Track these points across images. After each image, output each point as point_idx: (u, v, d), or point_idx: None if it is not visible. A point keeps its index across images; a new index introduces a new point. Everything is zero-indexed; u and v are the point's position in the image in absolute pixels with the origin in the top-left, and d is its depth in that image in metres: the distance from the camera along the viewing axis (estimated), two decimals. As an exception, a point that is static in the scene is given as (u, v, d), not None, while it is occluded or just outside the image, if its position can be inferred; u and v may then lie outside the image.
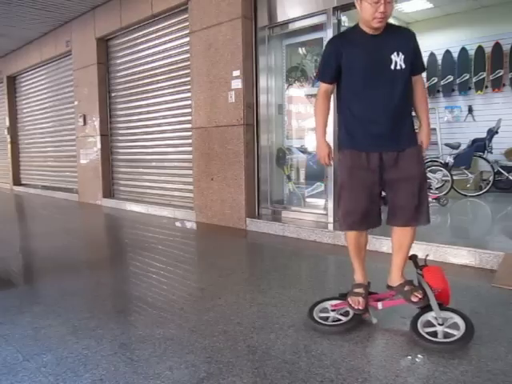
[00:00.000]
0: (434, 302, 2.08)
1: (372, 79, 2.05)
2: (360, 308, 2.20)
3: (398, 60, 2.02)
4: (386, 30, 2.07)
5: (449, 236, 4.22)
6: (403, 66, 2.03)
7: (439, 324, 2.05)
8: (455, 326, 2.06)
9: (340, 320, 2.25)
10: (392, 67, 2.03)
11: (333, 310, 2.31)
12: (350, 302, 2.23)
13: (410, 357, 1.95)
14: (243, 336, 2.15)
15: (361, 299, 2.22)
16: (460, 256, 3.30)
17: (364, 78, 2.07)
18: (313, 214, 4.71)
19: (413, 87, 2.16)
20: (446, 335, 2.02)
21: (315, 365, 1.86)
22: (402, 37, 2.10)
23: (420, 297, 2.15)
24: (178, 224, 5.59)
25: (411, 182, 2.11)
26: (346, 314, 2.28)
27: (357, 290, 2.28)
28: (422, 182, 2.13)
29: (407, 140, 2.12)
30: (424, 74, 7.70)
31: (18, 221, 6.78)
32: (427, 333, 2.03)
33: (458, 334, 2.00)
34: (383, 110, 2.07)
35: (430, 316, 2.12)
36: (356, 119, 2.14)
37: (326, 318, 2.28)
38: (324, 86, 2.25)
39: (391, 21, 2.18)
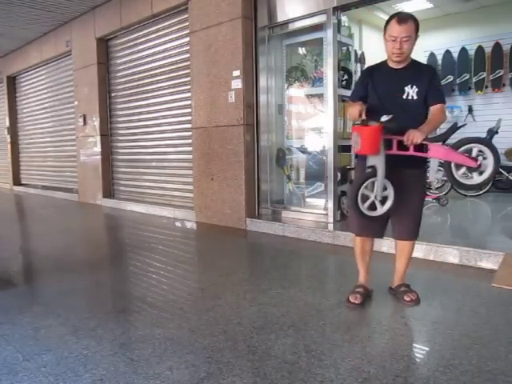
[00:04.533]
0: None
1: (386, 104, 2.37)
2: (356, 303, 2.49)
3: (410, 91, 2.36)
4: (408, 66, 2.39)
5: (449, 236, 4.22)
6: (415, 98, 2.35)
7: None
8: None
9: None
10: (404, 97, 2.36)
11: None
12: (350, 298, 2.52)
13: (409, 357, 1.95)
14: (243, 336, 2.15)
15: (358, 296, 2.52)
16: (460, 256, 3.30)
17: (380, 101, 2.40)
18: (313, 214, 4.71)
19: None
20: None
21: (315, 365, 1.86)
22: (419, 73, 2.39)
23: (413, 298, 2.48)
24: (177, 224, 5.59)
25: (410, 202, 2.43)
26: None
27: (357, 290, 2.58)
28: (419, 202, 2.50)
29: (413, 162, 2.35)
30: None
31: (17, 221, 6.78)
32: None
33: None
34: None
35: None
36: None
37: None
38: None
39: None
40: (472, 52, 7.03)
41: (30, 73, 9.84)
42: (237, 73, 4.83)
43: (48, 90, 9.19)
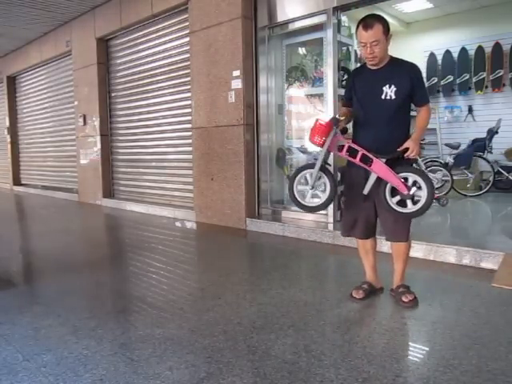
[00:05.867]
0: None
1: (366, 105, 2.47)
2: (358, 297, 2.58)
3: (388, 91, 2.38)
4: (387, 65, 2.42)
5: (449, 236, 4.22)
6: (393, 97, 2.38)
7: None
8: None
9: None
10: (382, 97, 2.39)
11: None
12: (353, 293, 2.60)
13: (410, 357, 1.95)
14: (243, 336, 2.15)
15: (361, 291, 2.60)
16: (460, 256, 3.30)
17: (361, 103, 2.50)
18: (313, 214, 4.70)
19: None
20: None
21: (315, 365, 1.86)
22: (399, 71, 2.39)
23: (410, 299, 2.48)
24: (177, 224, 5.59)
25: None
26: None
27: (361, 285, 2.65)
28: None
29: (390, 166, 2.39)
30: (424, 74, 7.66)
31: (17, 221, 6.78)
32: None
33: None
34: (374, 132, 2.43)
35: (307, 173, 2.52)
36: (359, 129, 2.59)
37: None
38: (343, 104, 2.73)
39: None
40: (472, 52, 7.03)
41: (29, 73, 9.84)
42: (237, 73, 4.83)
43: (48, 90, 9.19)
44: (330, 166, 2.53)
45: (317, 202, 2.51)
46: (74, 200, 8.16)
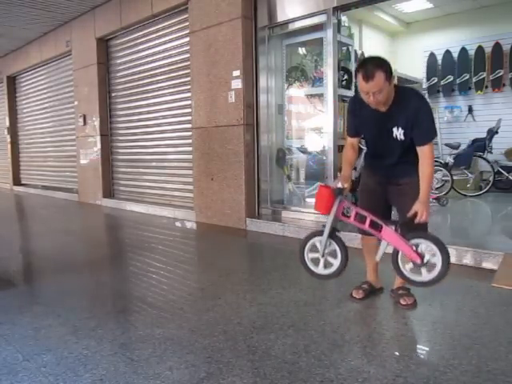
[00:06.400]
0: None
1: (377, 142, 2.44)
2: (357, 297, 2.58)
3: (397, 134, 2.30)
4: (393, 105, 2.27)
5: (449, 236, 4.22)
6: (402, 139, 2.30)
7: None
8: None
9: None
10: (393, 137, 2.32)
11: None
12: (353, 293, 2.60)
13: (409, 357, 1.95)
14: (243, 336, 2.15)
15: (361, 291, 2.61)
16: (460, 256, 3.30)
17: (371, 140, 2.49)
18: (313, 213, 4.70)
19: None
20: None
21: (315, 365, 1.86)
22: (405, 112, 2.25)
23: (409, 302, 2.46)
24: (177, 224, 5.59)
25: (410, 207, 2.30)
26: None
27: (361, 285, 2.66)
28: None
29: (402, 171, 2.40)
30: (424, 74, 7.63)
31: (17, 221, 6.78)
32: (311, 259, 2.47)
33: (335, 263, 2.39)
34: (385, 165, 2.44)
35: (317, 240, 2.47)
36: (370, 158, 2.62)
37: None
38: (350, 139, 2.56)
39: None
40: (472, 52, 7.04)
41: (29, 73, 9.84)
42: (237, 73, 4.83)
43: (48, 90, 9.19)
44: (339, 232, 2.44)
45: (330, 270, 2.44)
46: (73, 200, 8.16)
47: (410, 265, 2.23)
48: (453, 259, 3.30)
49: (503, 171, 6.31)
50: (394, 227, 2.26)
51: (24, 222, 6.68)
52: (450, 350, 1.98)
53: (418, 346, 2.11)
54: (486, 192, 6.12)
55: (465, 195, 6.11)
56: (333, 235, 2.41)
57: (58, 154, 9.10)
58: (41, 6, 6.85)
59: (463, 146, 6.42)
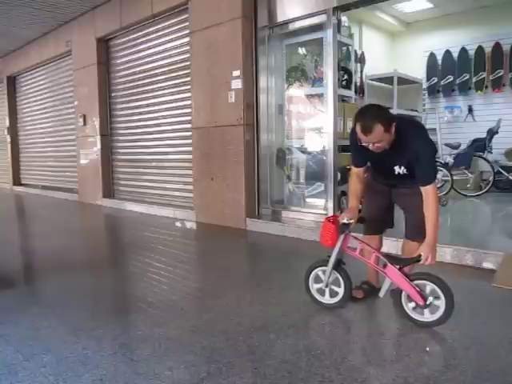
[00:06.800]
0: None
1: (381, 171, 2.49)
2: (357, 297, 2.57)
3: (400, 171, 2.33)
4: (394, 145, 2.22)
5: (449, 236, 4.22)
6: (406, 173, 2.32)
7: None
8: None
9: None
10: (396, 173, 2.34)
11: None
12: (353, 293, 2.54)
13: (409, 357, 1.95)
14: (243, 336, 2.15)
15: (361, 291, 2.60)
16: (460, 256, 3.30)
17: (375, 167, 2.53)
18: (313, 213, 4.71)
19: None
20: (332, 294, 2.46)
21: (315, 365, 1.86)
22: (405, 154, 2.24)
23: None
24: (177, 224, 5.59)
25: (417, 207, 2.31)
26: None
27: (361, 285, 2.66)
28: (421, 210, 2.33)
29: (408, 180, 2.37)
30: (424, 74, 7.61)
31: (18, 221, 6.78)
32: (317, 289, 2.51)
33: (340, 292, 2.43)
34: (391, 183, 2.50)
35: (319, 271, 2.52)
36: (375, 173, 2.61)
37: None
38: (354, 169, 2.56)
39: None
40: (472, 52, 7.03)
41: (29, 73, 9.84)
42: (237, 73, 4.83)
43: (48, 90, 9.19)
44: (344, 264, 2.46)
45: (336, 299, 2.46)
46: (74, 200, 8.16)
47: (413, 303, 2.21)
48: (453, 259, 3.32)
49: (503, 171, 6.31)
50: (398, 267, 2.25)
51: (24, 222, 6.68)
52: (449, 349, 1.99)
53: (417, 346, 2.11)
54: (486, 192, 6.12)
55: (465, 195, 6.10)
56: (337, 267, 2.44)
57: (58, 154, 9.10)
58: (41, 6, 6.85)
59: (463, 146, 6.42)
